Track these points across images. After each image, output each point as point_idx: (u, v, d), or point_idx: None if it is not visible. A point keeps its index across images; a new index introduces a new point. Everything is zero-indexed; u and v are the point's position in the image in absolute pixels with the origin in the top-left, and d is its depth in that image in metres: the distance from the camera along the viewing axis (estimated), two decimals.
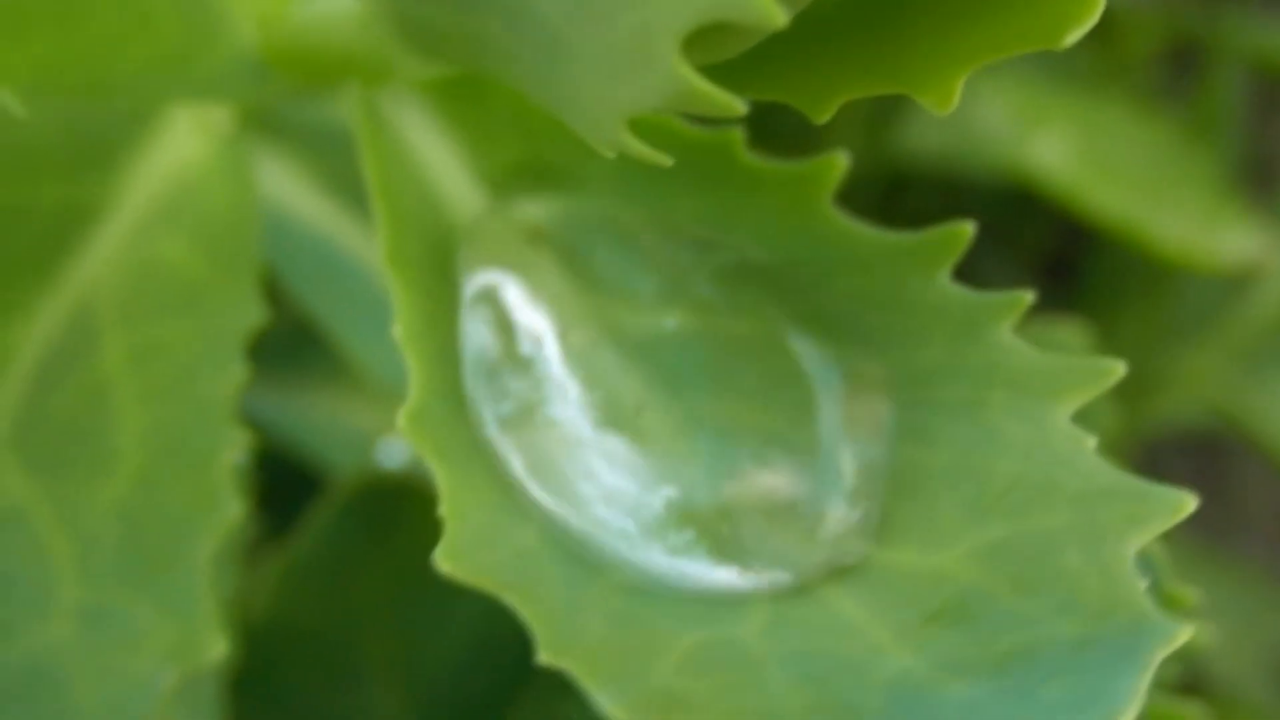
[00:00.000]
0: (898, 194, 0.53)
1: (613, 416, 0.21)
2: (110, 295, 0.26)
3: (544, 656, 0.19)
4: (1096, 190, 0.48)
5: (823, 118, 0.19)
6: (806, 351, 0.21)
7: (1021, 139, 0.48)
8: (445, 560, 0.20)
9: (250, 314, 0.26)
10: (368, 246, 0.32)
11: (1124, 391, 0.22)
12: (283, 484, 0.36)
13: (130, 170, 0.27)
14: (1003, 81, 0.51)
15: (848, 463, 0.21)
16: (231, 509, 0.24)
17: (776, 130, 0.26)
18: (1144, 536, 0.20)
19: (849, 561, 0.21)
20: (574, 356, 0.21)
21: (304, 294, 0.33)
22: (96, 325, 0.26)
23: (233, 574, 0.31)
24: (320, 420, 0.40)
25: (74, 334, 0.26)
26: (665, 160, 0.18)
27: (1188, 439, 0.58)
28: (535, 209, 0.23)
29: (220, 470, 0.25)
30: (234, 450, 0.25)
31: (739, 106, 0.17)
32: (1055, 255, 0.58)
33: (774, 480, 0.21)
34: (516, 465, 0.21)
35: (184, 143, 0.27)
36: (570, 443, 0.21)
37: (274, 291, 0.32)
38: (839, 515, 0.21)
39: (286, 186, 0.32)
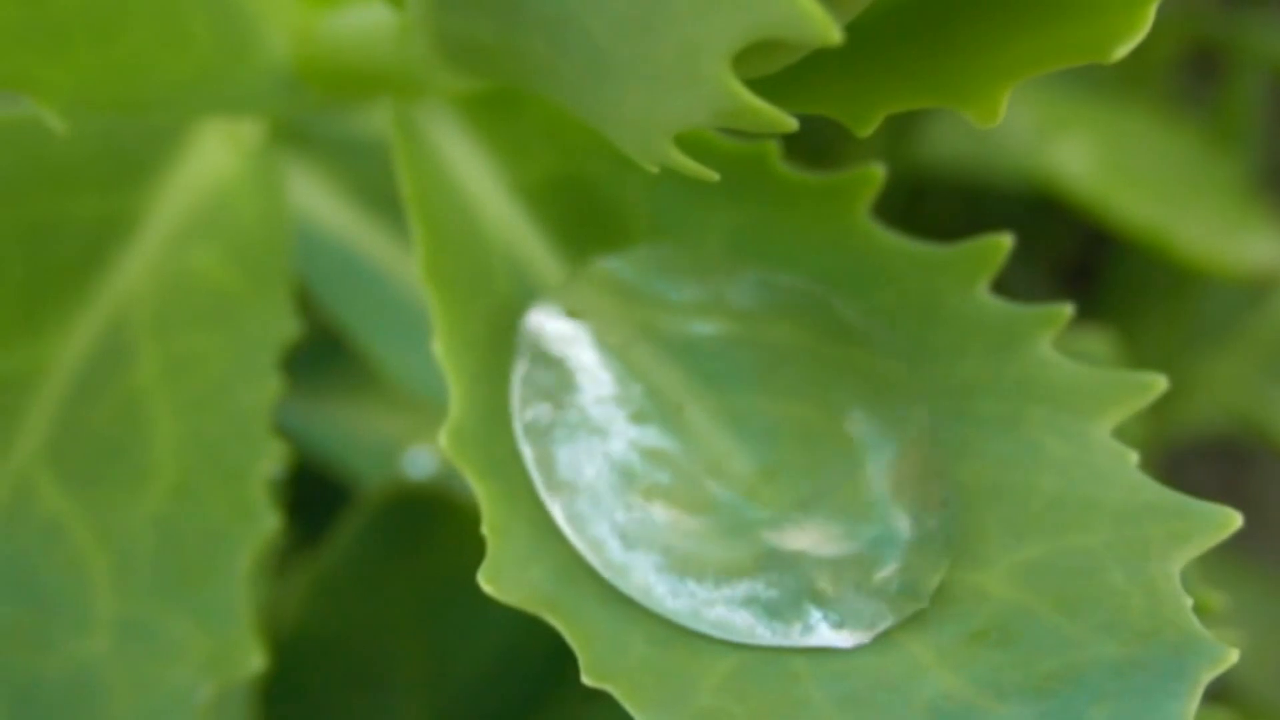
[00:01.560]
0: (919, 200, 0.53)
1: (654, 412, 0.21)
2: (145, 308, 0.26)
3: (587, 679, 0.19)
4: (1118, 197, 0.48)
5: (866, 131, 0.19)
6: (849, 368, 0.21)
7: (1043, 146, 0.48)
8: (488, 581, 0.20)
9: (283, 326, 0.26)
10: (397, 257, 0.32)
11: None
12: (311, 493, 0.36)
13: (163, 184, 0.27)
14: (1024, 88, 0.50)
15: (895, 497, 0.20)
16: (267, 521, 0.25)
17: (800, 135, 0.26)
18: (1188, 554, 0.19)
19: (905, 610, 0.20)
20: (611, 353, 0.21)
21: (333, 304, 0.33)
22: (131, 338, 0.26)
23: (263, 583, 0.31)
24: (349, 429, 0.39)
25: (109, 347, 0.26)
26: (710, 175, 0.18)
27: (1210, 445, 0.58)
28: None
29: (256, 482, 0.25)
30: (269, 462, 0.25)
31: (789, 122, 0.17)
32: (1077, 262, 0.58)
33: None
34: (556, 510, 0.21)
35: (216, 156, 0.27)
36: (605, 458, 0.21)
37: (303, 301, 0.32)
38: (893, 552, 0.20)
39: (316, 198, 0.32)
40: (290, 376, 0.27)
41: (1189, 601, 0.19)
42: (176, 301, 0.27)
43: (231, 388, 0.26)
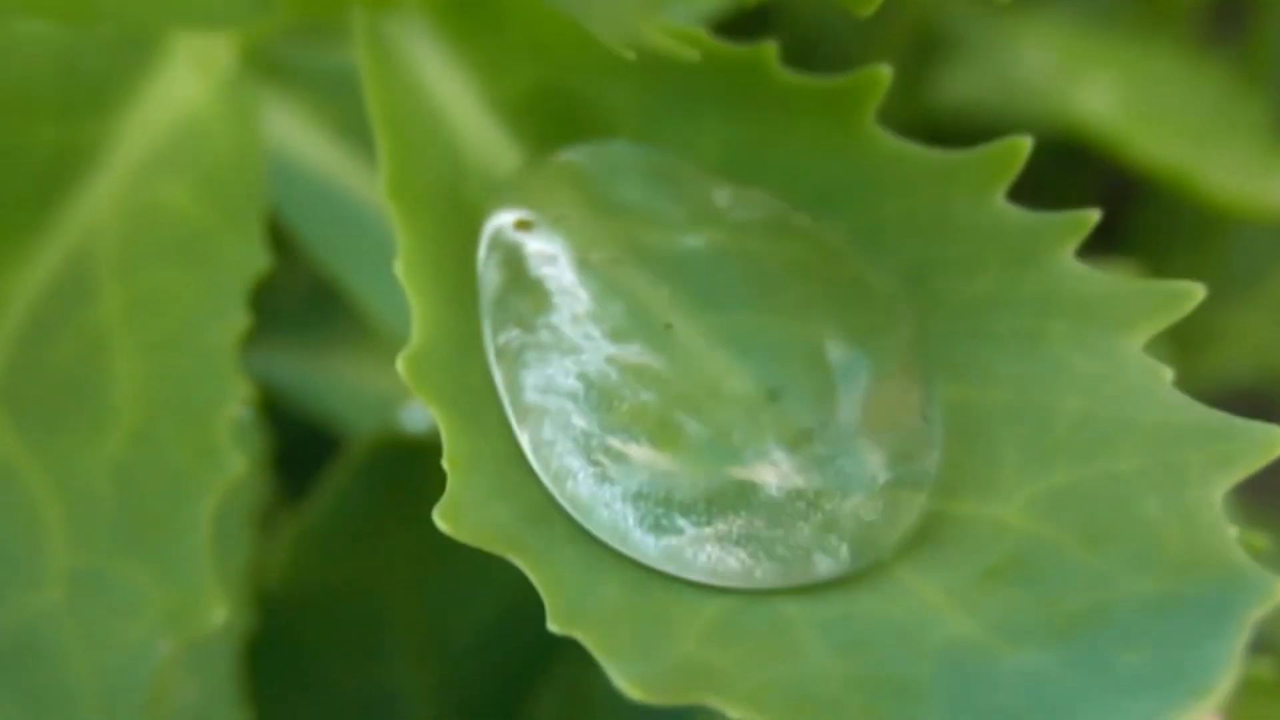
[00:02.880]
0: (938, 146, 0.52)
1: (637, 330, 0.19)
2: (108, 242, 0.25)
3: (553, 625, 0.18)
4: (1144, 138, 0.47)
5: (868, 10, 0.17)
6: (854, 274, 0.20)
7: (1067, 87, 0.48)
8: (445, 519, 0.18)
9: (255, 261, 0.25)
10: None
11: (1173, 346, 0.20)
12: (301, 447, 0.35)
13: (129, 111, 0.26)
14: (1046, 29, 0.50)
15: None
16: (233, 465, 0.23)
17: (811, 63, 0.24)
18: (1231, 478, 0.18)
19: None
20: (591, 270, 0.19)
21: (316, 244, 0.32)
22: (93, 274, 0.25)
23: (248, 538, 0.30)
24: (340, 382, 0.38)
25: (70, 283, 0.25)
26: (692, 54, 0.17)
27: (1237, 394, 0.57)
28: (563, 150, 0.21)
29: (221, 425, 0.23)
30: (236, 404, 0.23)
31: None
32: (1101, 207, 0.57)
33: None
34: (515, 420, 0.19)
35: (185, 82, 0.26)
36: (579, 365, 0.19)
37: (289, 247, 0.31)
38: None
39: (295, 131, 0.31)
40: (280, 325, 0.26)
41: (1233, 531, 0.17)
42: (142, 236, 0.25)
43: (198, 327, 0.24)
